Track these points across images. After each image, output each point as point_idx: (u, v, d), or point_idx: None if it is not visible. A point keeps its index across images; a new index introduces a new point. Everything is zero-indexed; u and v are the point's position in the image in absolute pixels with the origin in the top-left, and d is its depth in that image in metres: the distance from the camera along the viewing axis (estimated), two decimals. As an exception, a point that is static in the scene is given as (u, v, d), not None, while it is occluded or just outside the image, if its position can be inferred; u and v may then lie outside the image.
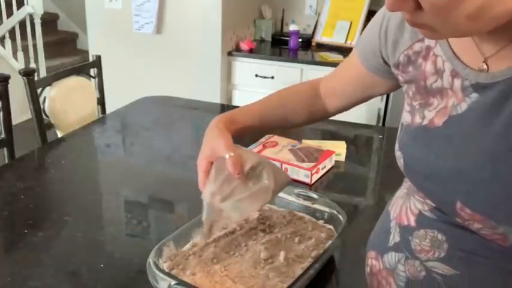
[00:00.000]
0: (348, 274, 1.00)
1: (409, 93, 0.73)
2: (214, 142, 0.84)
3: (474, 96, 0.62)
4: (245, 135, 0.91)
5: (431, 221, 0.68)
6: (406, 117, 0.73)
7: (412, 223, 0.71)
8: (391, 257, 0.74)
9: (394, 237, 0.74)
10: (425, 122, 0.68)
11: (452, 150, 0.63)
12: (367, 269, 0.81)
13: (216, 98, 2.86)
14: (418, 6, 0.52)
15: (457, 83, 0.63)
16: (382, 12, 0.77)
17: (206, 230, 0.92)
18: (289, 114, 0.96)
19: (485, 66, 0.61)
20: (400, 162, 0.72)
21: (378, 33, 0.77)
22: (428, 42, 0.68)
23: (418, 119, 0.69)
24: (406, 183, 0.77)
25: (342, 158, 1.50)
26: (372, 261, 0.79)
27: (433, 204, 0.68)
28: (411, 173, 0.71)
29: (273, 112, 0.95)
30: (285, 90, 0.99)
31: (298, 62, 2.82)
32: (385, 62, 0.79)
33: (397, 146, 0.74)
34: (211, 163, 0.84)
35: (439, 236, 0.67)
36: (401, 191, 0.79)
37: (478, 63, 0.61)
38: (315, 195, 1.08)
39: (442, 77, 0.66)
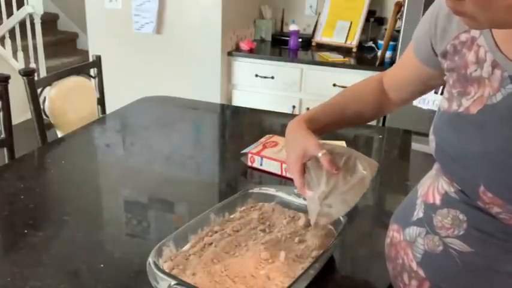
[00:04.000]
0: (348, 274, 1.00)
1: (450, 81, 0.75)
2: (304, 143, 0.86)
3: (510, 87, 0.64)
4: (323, 133, 0.94)
5: (455, 201, 0.72)
6: (443, 104, 0.75)
7: (437, 202, 0.75)
8: (412, 231, 0.79)
9: (418, 213, 0.79)
10: (461, 110, 0.71)
11: (482, 136, 0.67)
12: (388, 240, 0.86)
13: (216, 98, 2.86)
14: None
15: (497, 73, 0.66)
16: (435, 3, 0.80)
17: (317, 230, 0.94)
18: (363, 109, 0.99)
19: None
20: (432, 145, 0.76)
21: (429, 22, 0.79)
22: (473, 33, 0.71)
23: (455, 106, 0.72)
24: (436, 165, 0.81)
25: (342, 158, 1.49)
26: (394, 233, 0.84)
27: (459, 187, 0.72)
28: (441, 155, 0.74)
29: (348, 108, 0.98)
30: (353, 87, 1.02)
31: (298, 62, 2.82)
32: (434, 51, 0.81)
33: (431, 130, 0.77)
34: (304, 164, 0.86)
35: (460, 216, 0.71)
36: (430, 172, 0.83)
37: None
38: (315, 195, 1.08)
39: (483, 67, 0.68)
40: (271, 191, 1.12)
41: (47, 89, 1.87)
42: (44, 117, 1.84)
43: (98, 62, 2.10)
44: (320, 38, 3.09)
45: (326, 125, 0.94)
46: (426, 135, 0.81)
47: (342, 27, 3.03)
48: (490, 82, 0.67)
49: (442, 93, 1.68)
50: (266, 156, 1.39)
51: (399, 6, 2.66)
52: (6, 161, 1.63)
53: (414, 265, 0.77)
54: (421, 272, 0.76)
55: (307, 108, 2.74)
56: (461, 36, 0.73)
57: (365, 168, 0.86)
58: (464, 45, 0.72)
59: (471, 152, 0.67)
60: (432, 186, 0.78)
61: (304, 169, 0.86)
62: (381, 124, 2.71)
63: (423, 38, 0.82)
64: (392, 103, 0.99)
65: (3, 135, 1.64)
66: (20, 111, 3.02)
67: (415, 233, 0.78)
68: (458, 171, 0.71)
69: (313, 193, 0.86)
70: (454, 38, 0.74)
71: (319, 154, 0.83)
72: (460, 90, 0.72)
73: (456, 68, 0.73)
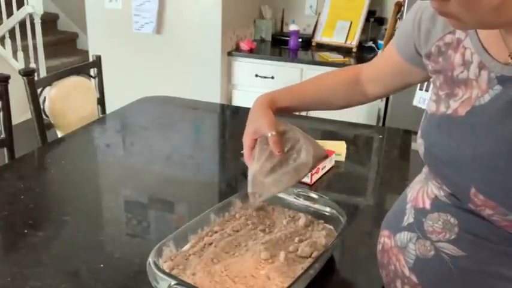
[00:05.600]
0: (348, 274, 1.00)
1: (436, 83, 0.75)
2: (258, 121, 0.90)
3: (498, 88, 0.64)
4: (287, 113, 0.97)
5: (446, 205, 0.72)
6: (431, 106, 0.75)
7: (427, 206, 0.75)
8: (403, 236, 0.78)
9: (409, 218, 0.78)
10: (449, 111, 0.70)
11: (472, 138, 0.66)
12: (379, 246, 0.86)
13: (216, 98, 2.86)
14: None
15: (484, 74, 0.66)
16: (418, 4, 0.79)
17: (252, 201, 0.98)
18: (329, 98, 1.00)
19: (510, 60, 0.63)
20: (421, 149, 0.75)
21: (411, 24, 0.79)
22: (459, 34, 0.70)
23: (442, 108, 0.72)
24: (425, 169, 0.80)
25: (342, 158, 1.50)
26: (385, 239, 0.83)
27: (449, 191, 0.71)
28: (431, 159, 0.74)
29: (314, 94, 1.00)
30: (326, 74, 1.02)
31: (298, 62, 2.82)
32: (417, 52, 0.80)
33: (419, 133, 0.76)
34: (256, 140, 0.91)
35: (452, 220, 0.71)
36: (420, 176, 0.82)
37: (504, 56, 0.64)
38: (315, 195, 1.08)
39: (469, 68, 0.68)
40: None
41: (47, 89, 1.87)
42: (44, 117, 1.84)
43: (98, 62, 2.10)
44: (320, 38, 3.09)
45: (288, 107, 0.96)
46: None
47: (342, 27, 3.03)
48: (477, 84, 0.66)
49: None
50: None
51: (399, 6, 2.67)
52: (6, 161, 1.63)
53: (406, 271, 0.77)
54: (414, 278, 0.75)
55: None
56: (446, 38, 0.72)
57: (307, 157, 0.89)
58: (450, 47, 0.71)
59: (461, 155, 0.67)
60: (422, 191, 0.78)
61: (254, 144, 0.91)
62: (381, 124, 2.71)
63: (406, 38, 0.82)
64: (365, 96, 0.99)
65: (3, 135, 1.64)
66: (20, 111, 3.02)
67: (406, 238, 0.77)
68: (448, 175, 0.70)
69: (251, 168, 0.91)
70: (438, 39, 0.73)
71: (269, 134, 0.87)
72: (447, 92, 0.71)
73: (443, 70, 0.73)
